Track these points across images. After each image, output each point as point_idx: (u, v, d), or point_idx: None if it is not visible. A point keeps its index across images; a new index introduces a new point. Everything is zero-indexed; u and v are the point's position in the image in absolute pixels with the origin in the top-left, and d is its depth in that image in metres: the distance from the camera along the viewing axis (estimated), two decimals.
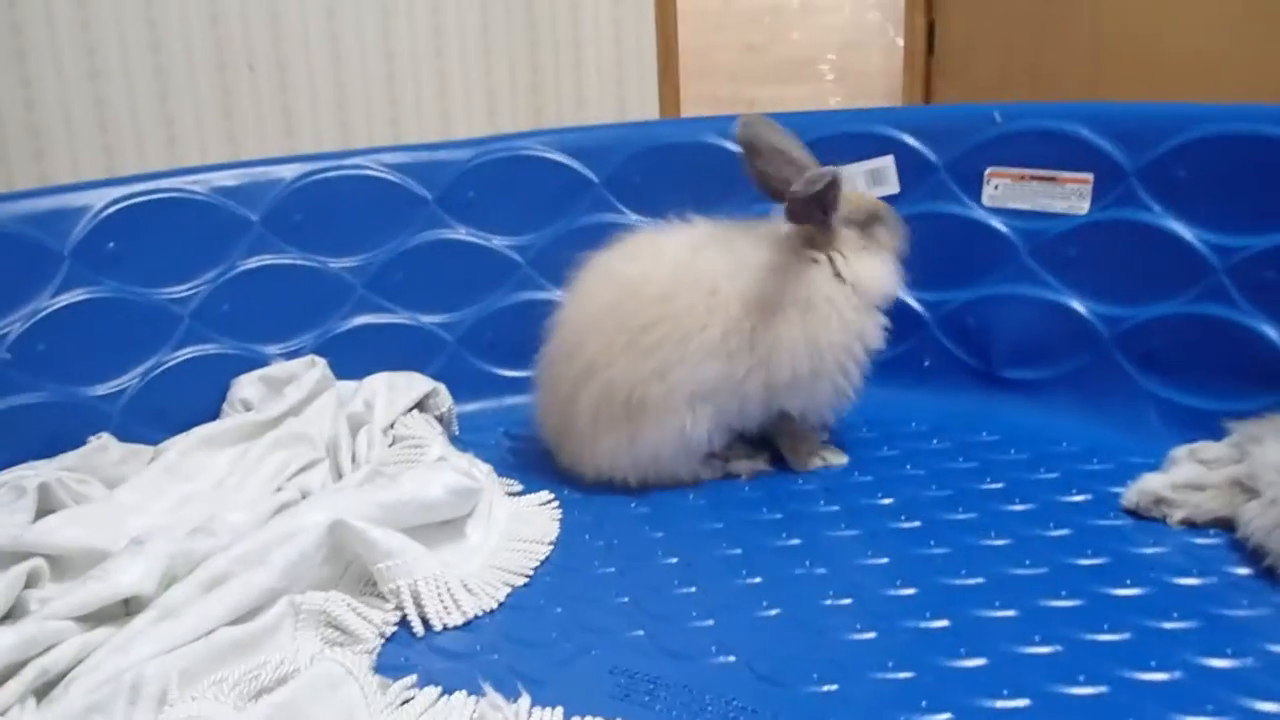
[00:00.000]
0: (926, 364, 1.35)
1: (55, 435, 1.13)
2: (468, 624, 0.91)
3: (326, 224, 1.33)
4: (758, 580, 0.95)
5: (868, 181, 1.36)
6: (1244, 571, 0.92)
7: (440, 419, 1.25)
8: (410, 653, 0.88)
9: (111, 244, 1.21)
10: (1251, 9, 2.01)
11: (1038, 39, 2.38)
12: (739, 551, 1.01)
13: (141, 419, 1.19)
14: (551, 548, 1.03)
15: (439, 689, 0.81)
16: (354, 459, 1.14)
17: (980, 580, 0.93)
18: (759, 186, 1.13)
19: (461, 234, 1.39)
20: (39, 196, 1.19)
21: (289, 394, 1.22)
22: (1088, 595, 0.89)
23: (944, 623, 0.87)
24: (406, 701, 0.79)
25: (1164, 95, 1.97)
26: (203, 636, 0.82)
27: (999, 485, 1.10)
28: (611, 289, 1.13)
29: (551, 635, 0.89)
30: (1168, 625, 0.85)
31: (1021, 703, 0.76)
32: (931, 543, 0.99)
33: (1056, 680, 0.78)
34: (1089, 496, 1.06)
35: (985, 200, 1.32)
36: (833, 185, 1.07)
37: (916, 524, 1.03)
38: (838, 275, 1.12)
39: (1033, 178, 1.29)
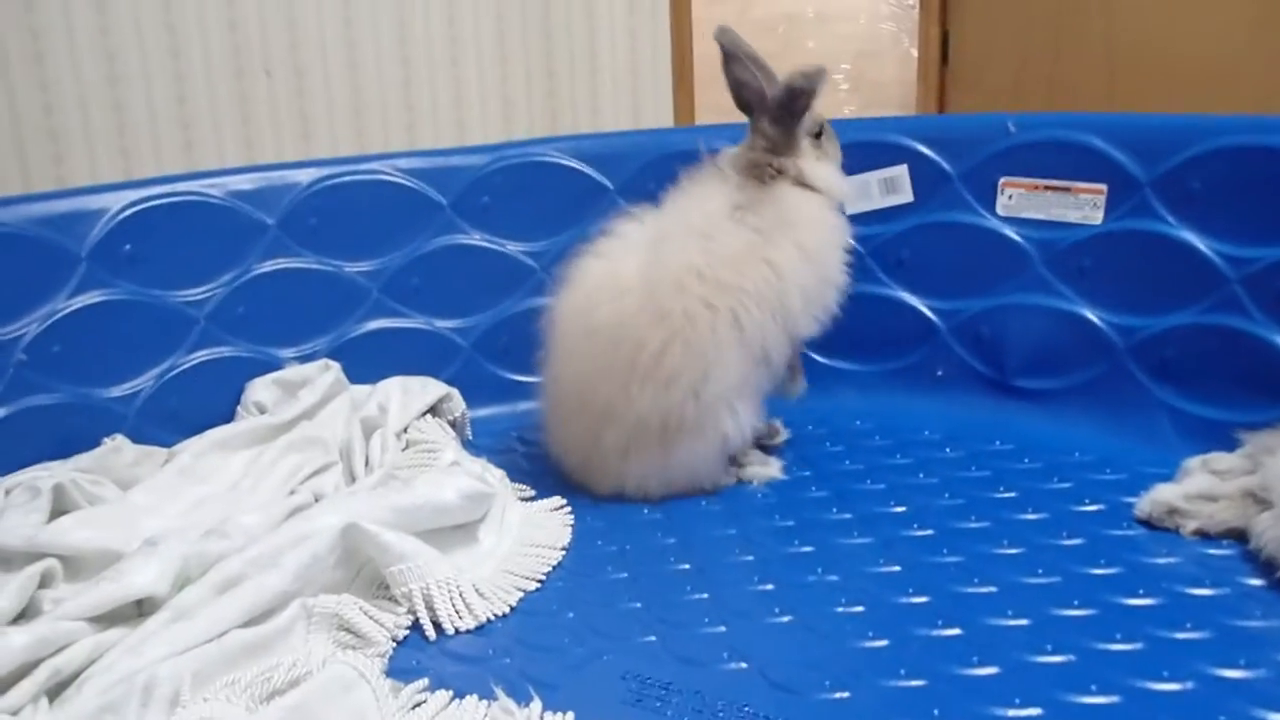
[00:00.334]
0: (940, 373, 1.35)
1: (70, 437, 1.14)
2: (480, 628, 0.92)
3: (342, 228, 1.34)
4: (770, 587, 0.95)
5: (882, 190, 1.36)
6: (1257, 582, 0.91)
7: (453, 424, 1.26)
8: (422, 656, 0.88)
9: (128, 246, 1.21)
10: (1266, 18, 2.00)
11: (1052, 49, 2.38)
12: (751, 558, 1.01)
13: (156, 421, 1.20)
14: (564, 553, 1.04)
15: (451, 693, 0.81)
16: (367, 463, 1.15)
17: (993, 589, 0.92)
18: (734, 95, 1.16)
19: (476, 239, 1.40)
20: (56, 199, 1.20)
21: (303, 397, 1.22)
22: (1100, 605, 0.89)
23: (956, 631, 0.87)
24: (418, 705, 0.79)
25: (1179, 104, 1.96)
26: (215, 638, 0.83)
27: (1012, 494, 1.10)
28: (600, 337, 1.09)
29: (563, 640, 0.89)
30: (1180, 635, 0.84)
31: (1033, 712, 0.76)
32: (944, 551, 0.99)
33: (1069, 690, 0.78)
34: (1102, 506, 1.06)
35: (999, 210, 1.32)
36: (820, 77, 1.10)
37: (929, 532, 1.03)
38: (801, 184, 1.14)
39: (1047, 188, 1.29)
